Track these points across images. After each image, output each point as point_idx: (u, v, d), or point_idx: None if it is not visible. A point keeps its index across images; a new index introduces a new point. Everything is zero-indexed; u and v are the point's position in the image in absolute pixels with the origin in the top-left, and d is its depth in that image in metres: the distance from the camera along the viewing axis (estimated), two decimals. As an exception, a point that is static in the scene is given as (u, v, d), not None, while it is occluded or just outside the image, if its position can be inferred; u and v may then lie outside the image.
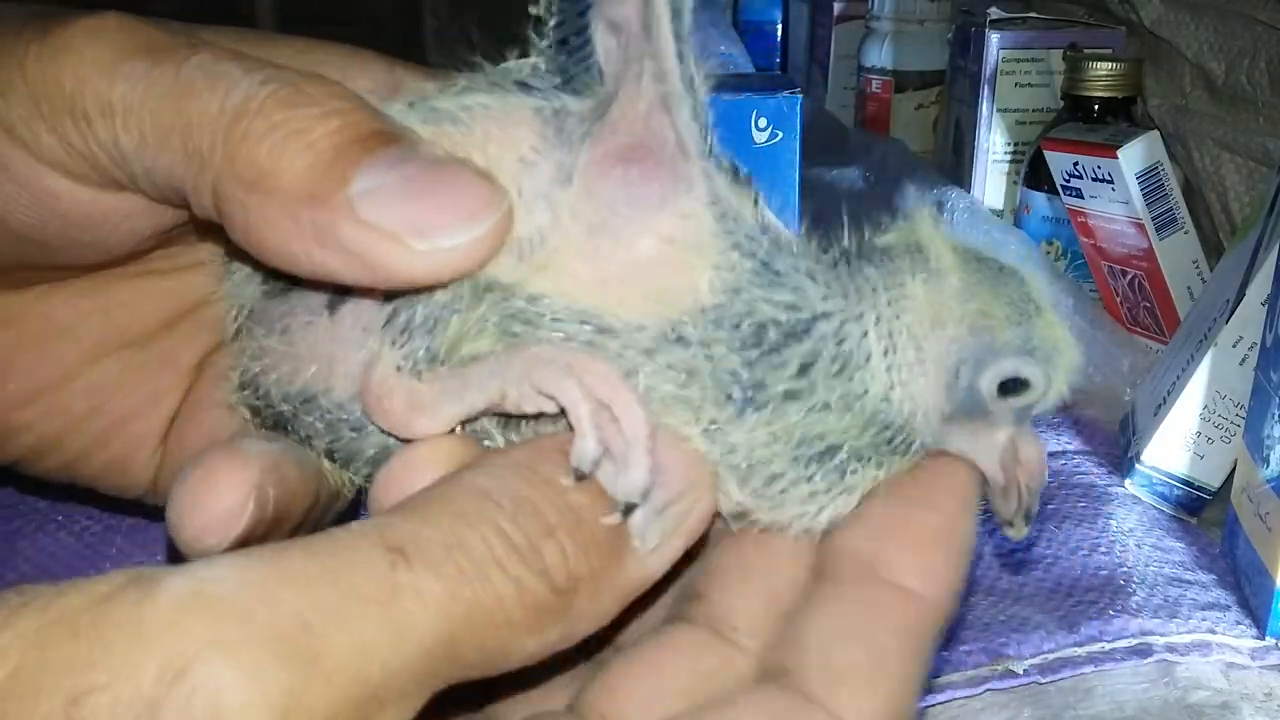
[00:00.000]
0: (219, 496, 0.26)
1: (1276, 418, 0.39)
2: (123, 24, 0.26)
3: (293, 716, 0.18)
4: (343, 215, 0.24)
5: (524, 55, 0.55)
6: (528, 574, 0.22)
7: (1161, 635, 0.39)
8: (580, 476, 0.23)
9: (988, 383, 0.25)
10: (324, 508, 0.29)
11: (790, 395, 0.25)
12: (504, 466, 0.23)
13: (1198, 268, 0.60)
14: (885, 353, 0.25)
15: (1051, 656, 0.38)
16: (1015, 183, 0.75)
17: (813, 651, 0.24)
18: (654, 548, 0.24)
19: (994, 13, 0.76)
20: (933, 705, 0.36)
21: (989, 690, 0.37)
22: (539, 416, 0.25)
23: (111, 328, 0.33)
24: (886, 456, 0.26)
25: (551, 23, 0.26)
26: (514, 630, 0.22)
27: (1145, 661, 0.38)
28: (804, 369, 0.25)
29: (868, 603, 0.25)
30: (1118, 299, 0.63)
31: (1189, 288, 0.59)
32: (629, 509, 0.24)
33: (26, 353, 0.32)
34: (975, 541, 0.26)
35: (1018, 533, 0.27)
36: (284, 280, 0.27)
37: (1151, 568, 0.42)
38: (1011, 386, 0.25)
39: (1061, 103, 0.70)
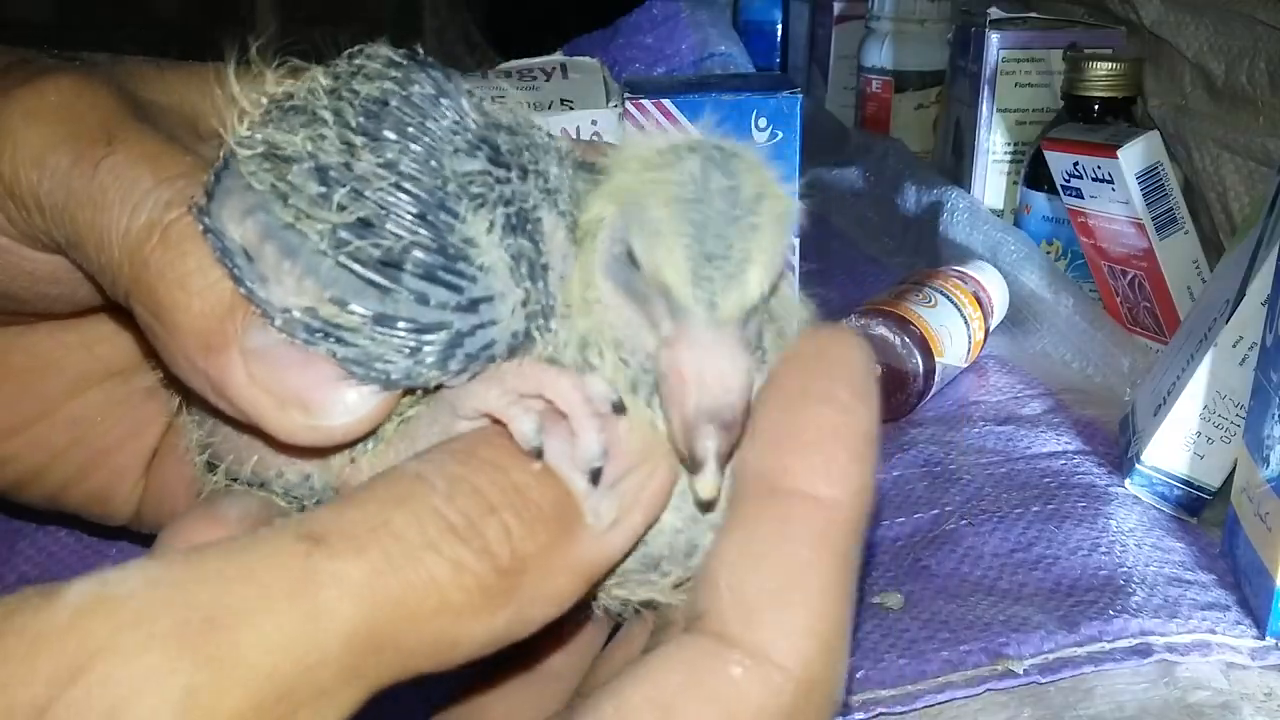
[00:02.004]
0: None
1: (1276, 418, 0.39)
2: (59, 106, 0.26)
3: (196, 717, 0.18)
4: (233, 370, 0.24)
5: (523, 55, 0.54)
6: (466, 553, 0.21)
7: (1161, 635, 0.39)
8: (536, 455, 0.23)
9: (618, 248, 0.24)
10: None
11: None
12: (439, 451, 0.23)
13: (1198, 268, 0.60)
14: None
15: (1051, 656, 0.38)
16: (1015, 183, 0.75)
17: (722, 587, 0.22)
18: (612, 522, 0.23)
19: (994, 13, 0.76)
20: (933, 705, 0.36)
21: (989, 690, 0.37)
22: None
23: (94, 360, 0.33)
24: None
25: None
26: (456, 616, 0.20)
27: (1145, 661, 0.38)
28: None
29: (771, 520, 0.23)
30: (1118, 299, 0.63)
31: (1189, 288, 0.59)
32: (595, 477, 0.23)
33: (9, 386, 0.33)
34: (877, 424, 0.24)
35: (695, 486, 0.23)
36: None
37: (1151, 568, 0.42)
38: (632, 258, 0.24)
39: (1061, 103, 0.70)
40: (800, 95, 0.48)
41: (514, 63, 0.54)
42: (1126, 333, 0.62)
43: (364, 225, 0.23)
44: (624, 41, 1.02)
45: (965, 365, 0.59)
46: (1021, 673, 0.37)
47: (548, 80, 0.51)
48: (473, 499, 0.21)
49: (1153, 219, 0.59)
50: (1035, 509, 0.46)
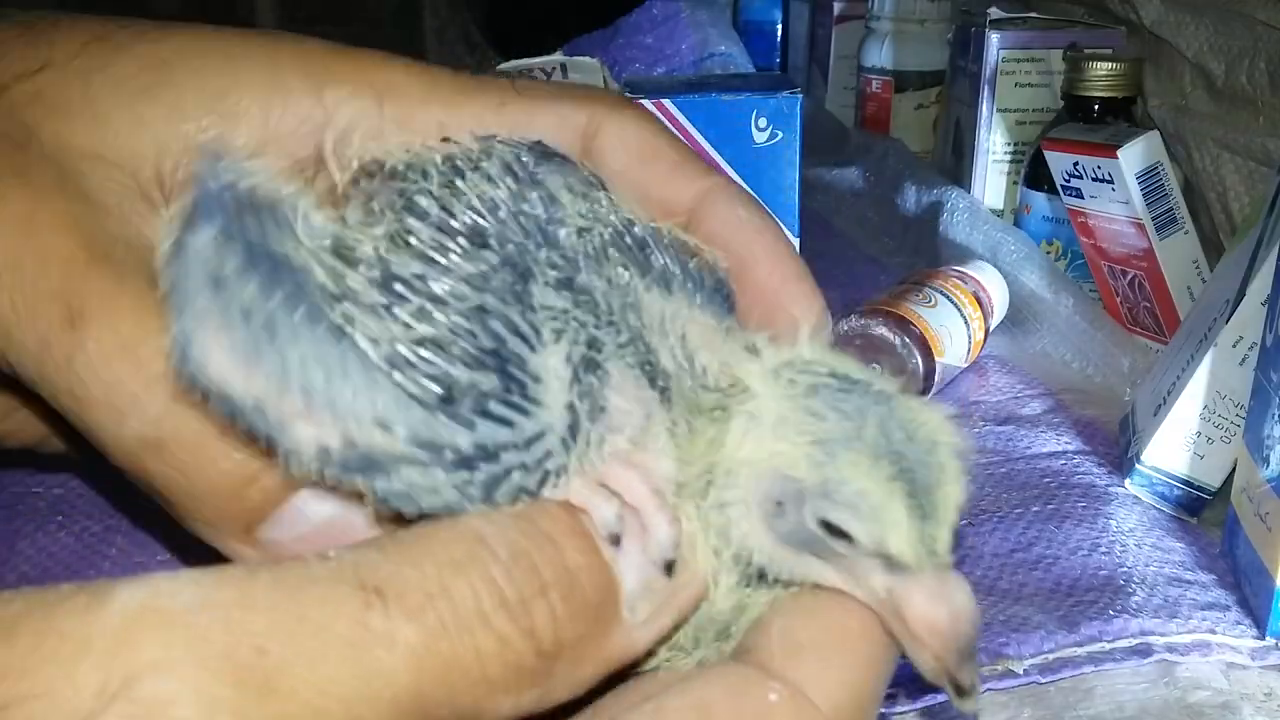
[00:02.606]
0: None
1: (1276, 418, 0.39)
2: (8, 258, 0.25)
3: None
4: (254, 557, 0.25)
5: (523, 55, 0.54)
6: (514, 631, 0.21)
7: (1161, 635, 0.39)
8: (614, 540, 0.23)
9: (811, 523, 0.24)
10: None
11: None
12: (505, 515, 0.22)
13: (1198, 268, 0.60)
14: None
15: (1051, 657, 0.38)
16: (1015, 183, 0.75)
17: (774, 630, 0.24)
18: (643, 620, 0.23)
19: (994, 13, 0.76)
20: (933, 705, 0.36)
21: (989, 690, 0.37)
22: None
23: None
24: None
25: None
26: (490, 689, 0.20)
27: (1145, 661, 0.38)
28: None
29: (833, 593, 0.24)
30: (1118, 299, 0.63)
31: (1189, 288, 0.59)
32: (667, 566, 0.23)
33: None
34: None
35: (961, 705, 0.24)
36: None
37: (1151, 568, 0.42)
38: (836, 530, 0.24)
39: (1061, 103, 0.70)
40: (800, 95, 0.48)
41: (514, 63, 0.54)
42: (1126, 333, 0.62)
43: (431, 345, 0.22)
44: (624, 41, 1.02)
45: (965, 365, 0.59)
46: (1021, 673, 0.37)
47: (548, 80, 0.51)
48: (529, 575, 0.21)
49: (1153, 219, 0.59)
50: (1035, 509, 0.46)
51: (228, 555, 0.25)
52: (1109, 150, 0.58)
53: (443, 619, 0.20)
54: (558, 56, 0.54)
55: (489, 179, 0.24)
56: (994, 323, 0.63)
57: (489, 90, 0.30)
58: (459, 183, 0.24)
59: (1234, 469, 0.44)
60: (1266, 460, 0.39)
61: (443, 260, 0.23)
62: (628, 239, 0.26)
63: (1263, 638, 0.39)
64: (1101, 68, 0.66)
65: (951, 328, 0.57)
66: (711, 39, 1.05)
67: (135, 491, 0.27)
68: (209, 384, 0.22)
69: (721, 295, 0.28)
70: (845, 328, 0.56)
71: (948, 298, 0.58)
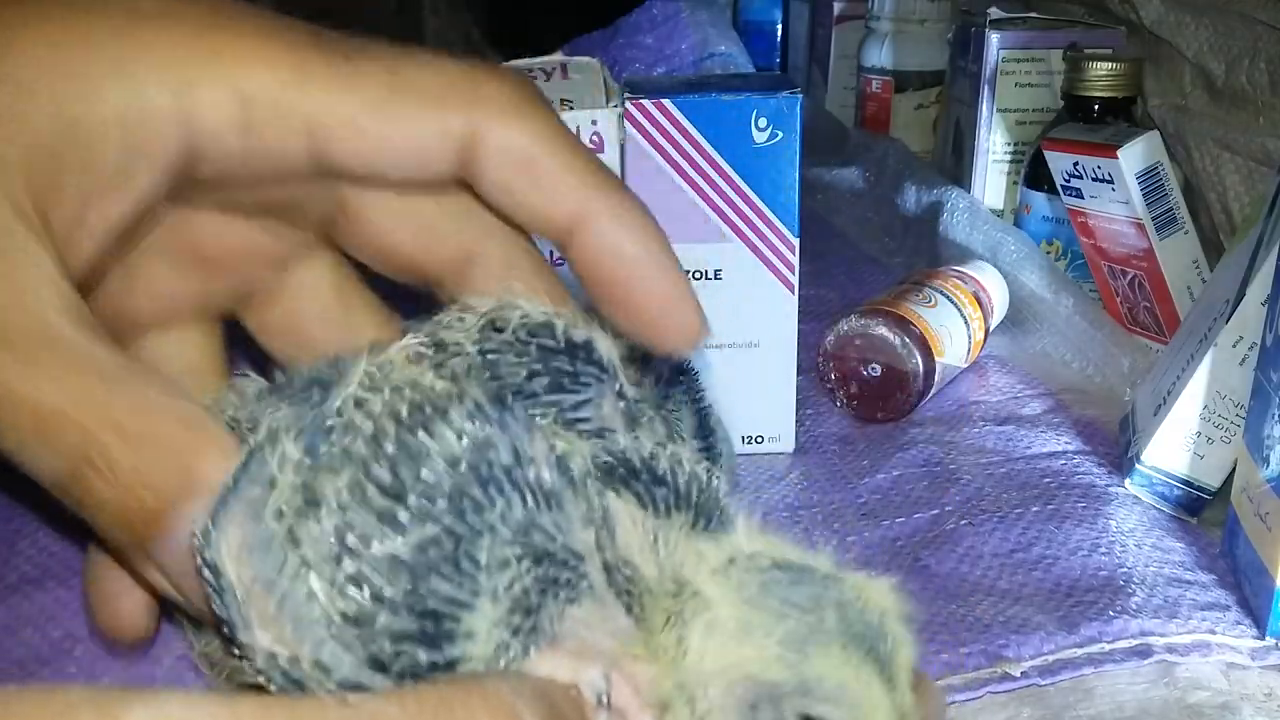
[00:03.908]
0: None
1: (1276, 418, 0.39)
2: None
3: None
4: None
5: (523, 55, 0.54)
6: None
7: (1161, 636, 0.39)
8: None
9: (790, 718, 0.24)
10: None
11: None
12: (527, 686, 0.22)
13: (1198, 268, 0.60)
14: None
15: (1051, 658, 0.38)
16: (1015, 183, 0.75)
17: None
18: None
19: (994, 13, 0.76)
20: (932, 706, 0.36)
21: (988, 692, 0.37)
22: None
23: None
24: None
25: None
26: None
27: (1145, 662, 0.38)
28: None
29: None
30: (1118, 299, 0.63)
31: (1189, 288, 0.59)
32: None
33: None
34: None
35: None
36: None
37: (1151, 568, 0.42)
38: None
39: (1061, 103, 0.70)
40: (800, 95, 0.48)
41: (514, 63, 0.54)
42: (1126, 333, 0.62)
43: (364, 613, 0.23)
44: (624, 41, 1.02)
45: (965, 365, 0.59)
46: (1020, 675, 0.37)
47: (548, 80, 0.51)
48: None
49: (1153, 219, 0.59)
50: (1035, 509, 0.46)
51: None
52: (1109, 150, 0.58)
53: None
54: (558, 56, 0.54)
55: (453, 429, 0.24)
56: (994, 323, 0.63)
57: (366, 86, 0.27)
58: (421, 435, 0.23)
59: (1234, 469, 0.44)
60: (1266, 460, 0.39)
61: (388, 528, 0.23)
62: (605, 458, 0.26)
63: (1263, 638, 0.39)
64: (1101, 68, 0.66)
65: (951, 328, 0.57)
66: (711, 39, 1.05)
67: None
68: (214, 555, 0.23)
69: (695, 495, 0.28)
70: (845, 328, 0.56)
71: (948, 298, 0.58)
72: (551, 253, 0.35)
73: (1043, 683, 0.37)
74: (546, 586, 0.24)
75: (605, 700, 0.23)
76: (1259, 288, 0.43)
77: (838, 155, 0.95)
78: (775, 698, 0.24)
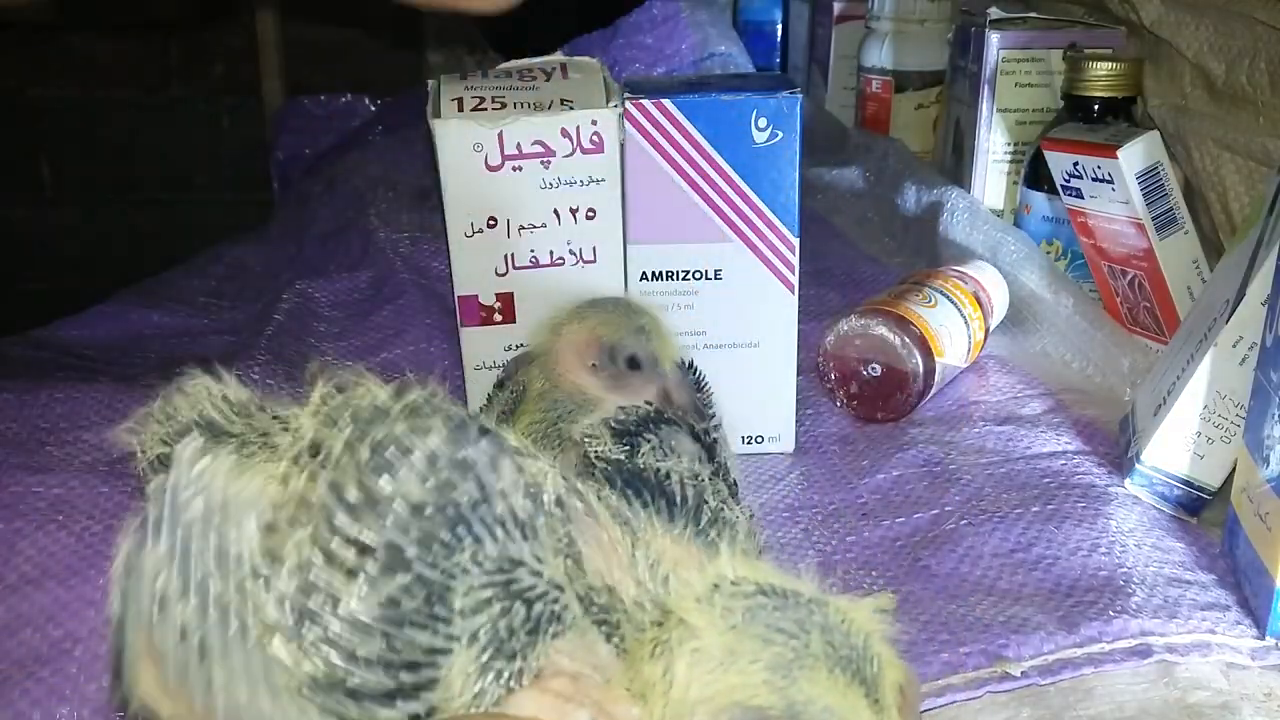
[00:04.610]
0: None
1: (1276, 418, 0.39)
2: None
3: None
4: None
5: (523, 55, 0.54)
6: None
7: (1161, 635, 0.38)
8: None
9: None
10: None
11: None
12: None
13: (1198, 268, 0.60)
14: None
15: (1051, 657, 0.38)
16: (1015, 183, 0.75)
17: None
18: None
19: (994, 13, 0.76)
20: (932, 708, 0.36)
21: (988, 692, 0.37)
22: None
23: None
24: None
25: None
26: None
27: (1145, 662, 0.38)
28: None
29: None
30: (1118, 299, 0.63)
31: (1189, 288, 0.59)
32: None
33: None
34: None
35: None
36: None
37: (1151, 568, 0.42)
38: None
39: (1061, 103, 0.70)
40: (800, 95, 0.48)
41: (514, 63, 0.54)
42: (1126, 333, 0.62)
43: (334, 675, 0.22)
44: (624, 41, 1.03)
45: (965, 365, 0.59)
46: (1020, 675, 0.37)
47: (548, 80, 0.51)
48: None
49: (1153, 219, 0.59)
50: (1035, 509, 0.46)
51: None
52: (1109, 150, 0.58)
53: None
54: (558, 56, 0.54)
55: (416, 473, 0.24)
56: (994, 323, 0.63)
57: None
58: (383, 482, 0.23)
59: (1234, 469, 0.44)
60: (1266, 460, 0.39)
61: (354, 584, 0.23)
62: (567, 490, 0.26)
63: (1263, 638, 0.39)
64: (1101, 68, 0.66)
65: (951, 328, 0.57)
66: (711, 39, 1.05)
67: (134, 491, 0.27)
68: (139, 702, 0.23)
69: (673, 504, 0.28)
70: (845, 328, 0.56)
71: (948, 298, 0.58)
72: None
73: (1043, 682, 0.37)
74: (530, 625, 0.24)
75: None
76: (1259, 288, 0.43)
77: (838, 155, 0.95)
78: None
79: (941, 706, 0.36)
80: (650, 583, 0.26)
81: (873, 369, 0.55)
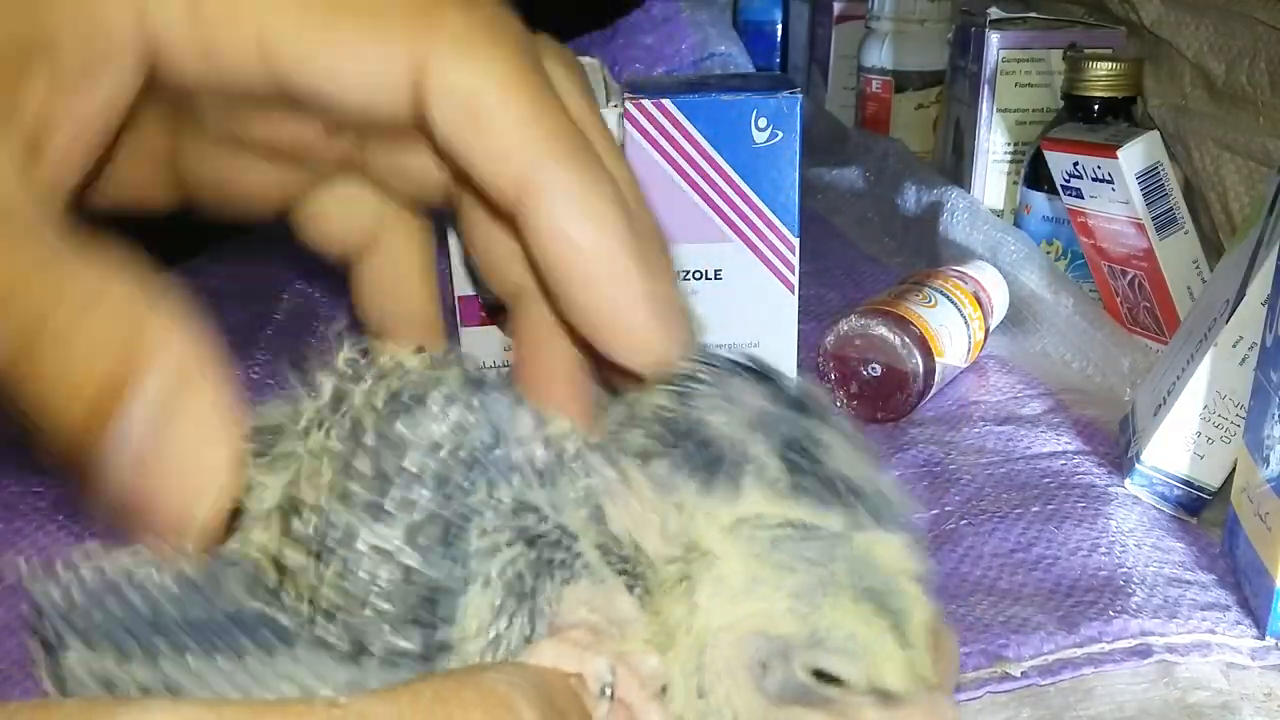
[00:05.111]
0: None
1: (1276, 418, 0.39)
2: None
3: None
4: None
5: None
6: None
7: (1161, 635, 0.39)
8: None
9: (801, 675, 0.24)
10: None
11: None
12: (526, 679, 0.21)
13: (1198, 268, 0.60)
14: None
15: (1051, 658, 0.38)
16: (1015, 183, 0.75)
17: None
18: None
19: (994, 13, 0.76)
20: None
21: (988, 692, 0.37)
22: None
23: None
24: None
25: None
26: None
27: (1145, 662, 0.38)
28: None
29: None
30: (1118, 299, 0.63)
31: (1189, 288, 0.59)
32: None
33: None
34: None
35: None
36: None
37: (1151, 568, 0.42)
38: (829, 676, 0.24)
39: (1061, 103, 0.70)
40: (800, 95, 0.48)
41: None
42: (1126, 333, 0.62)
43: (363, 593, 0.23)
44: (624, 41, 1.02)
45: (965, 365, 0.59)
46: (1020, 675, 0.37)
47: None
48: None
49: (1153, 219, 0.59)
50: (1035, 509, 0.46)
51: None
52: (1109, 150, 0.58)
53: None
54: (558, 56, 0.54)
55: (431, 416, 0.23)
56: (994, 323, 0.63)
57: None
58: (399, 425, 0.23)
59: (1234, 469, 0.44)
60: (1266, 460, 0.39)
61: (370, 518, 0.23)
62: (591, 449, 0.25)
63: (1263, 638, 0.39)
64: (1101, 68, 0.66)
65: (951, 328, 0.57)
66: (711, 39, 1.05)
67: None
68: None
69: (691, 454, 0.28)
70: (845, 328, 0.56)
71: (948, 298, 0.58)
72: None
73: (1043, 683, 0.37)
74: (541, 569, 0.24)
75: (609, 692, 0.23)
76: (1259, 288, 0.43)
77: (838, 155, 0.95)
78: (785, 652, 0.24)
79: (941, 706, 0.36)
80: (677, 541, 0.25)
81: (873, 369, 0.55)
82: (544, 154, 0.23)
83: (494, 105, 0.23)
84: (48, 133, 0.23)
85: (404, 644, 0.22)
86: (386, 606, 0.22)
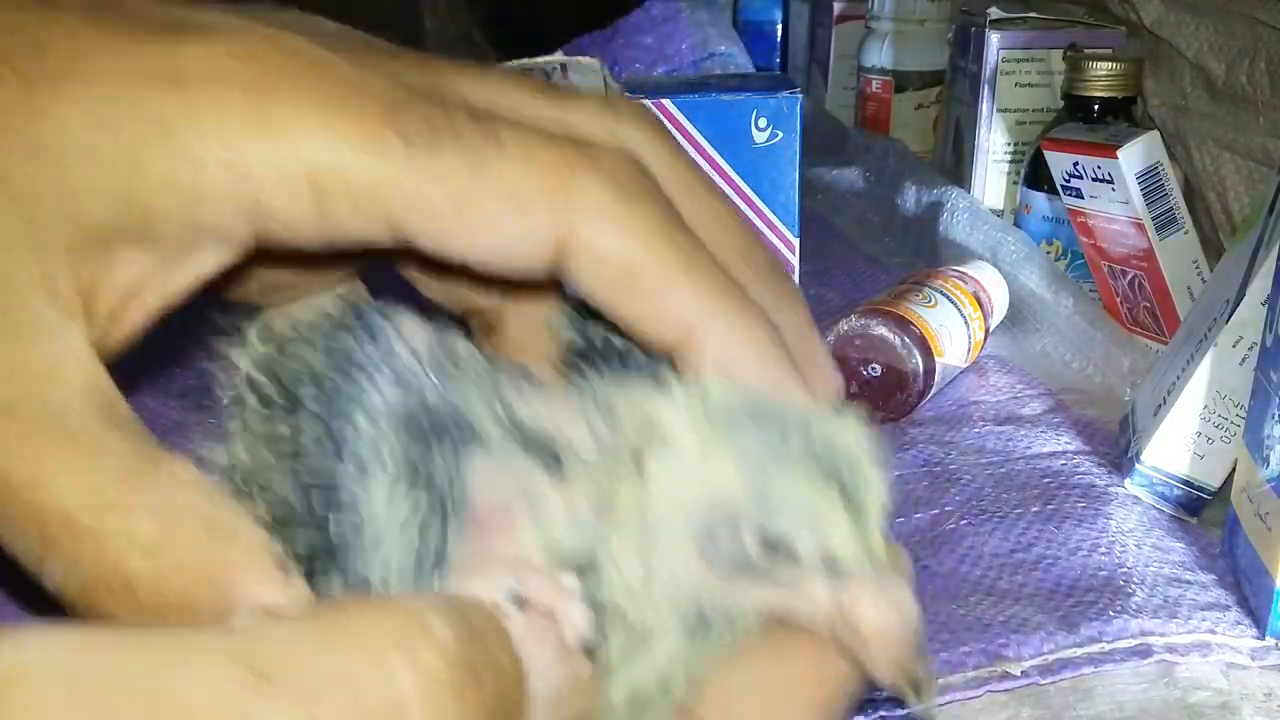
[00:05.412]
0: None
1: (1276, 418, 0.39)
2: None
3: None
4: None
5: (523, 55, 0.54)
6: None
7: (1161, 635, 0.39)
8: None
9: (750, 546, 0.23)
10: None
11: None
12: (438, 597, 0.20)
13: (1198, 268, 0.60)
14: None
15: (1051, 657, 0.38)
16: (1015, 183, 0.75)
17: (709, 688, 0.23)
18: None
19: (994, 13, 0.76)
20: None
21: (988, 692, 0.37)
22: None
23: None
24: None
25: None
26: None
27: (1145, 662, 0.38)
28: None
29: (773, 653, 0.24)
30: (1118, 299, 0.63)
31: (1189, 288, 0.59)
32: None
33: None
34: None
35: (915, 700, 0.24)
36: None
37: (1151, 568, 0.42)
38: (779, 546, 0.23)
39: (1061, 103, 0.70)
40: (800, 95, 0.48)
41: (514, 63, 0.54)
42: (1126, 333, 0.62)
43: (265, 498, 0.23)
44: (624, 41, 1.03)
45: (965, 365, 0.59)
46: (1020, 674, 0.37)
47: (548, 80, 0.51)
48: (469, 665, 0.18)
49: (1153, 219, 0.59)
50: (1035, 509, 0.46)
51: None
52: (1109, 150, 0.58)
53: (348, 710, 0.17)
54: (558, 56, 0.54)
55: (309, 324, 0.25)
56: (994, 323, 0.63)
57: (446, 177, 0.23)
58: (278, 328, 0.25)
59: (1234, 469, 0.44)
60: (1266, 460, 0.39)
61: (259, 418, 0.24)
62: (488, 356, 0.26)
63: (1263, 638, 0.39)
64: (1101, 68, 0.66)
65: (951, 328, 0.57)
66: (711, 39, 1.05)
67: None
68: None
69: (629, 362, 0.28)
70: (845, 328, 0.56)
71: (948, 298, 0.58)
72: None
73: (1043, 682, 0.37)
74: (431, 450, 0.24)
75: (519, 601, 0.22)
76: (1259, 288, 0.43)
77: (838, 155, 0.95)
78: (733, 519, 0.23)
79: (942, 705, 0.36)
80: (603, 423, 0.25)
81: (873, 369, 0.55)
82: (701, 313, 0.24)
83: (647, 271, 0.24)
84: (132, 303, 0.23)
85: (312, 542, 0.23)
86: (286, 508, 0.23)
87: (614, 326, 0.25)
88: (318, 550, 0.23)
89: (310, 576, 0.22)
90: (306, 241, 0.24)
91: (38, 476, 0.20)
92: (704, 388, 0.24)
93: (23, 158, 0.21)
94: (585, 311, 0.26)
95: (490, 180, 0.23)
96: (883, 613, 0.23)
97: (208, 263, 0.23)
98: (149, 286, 0.23)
